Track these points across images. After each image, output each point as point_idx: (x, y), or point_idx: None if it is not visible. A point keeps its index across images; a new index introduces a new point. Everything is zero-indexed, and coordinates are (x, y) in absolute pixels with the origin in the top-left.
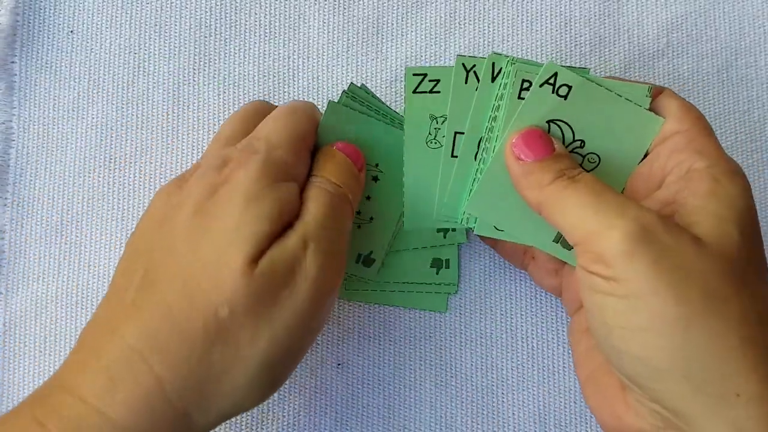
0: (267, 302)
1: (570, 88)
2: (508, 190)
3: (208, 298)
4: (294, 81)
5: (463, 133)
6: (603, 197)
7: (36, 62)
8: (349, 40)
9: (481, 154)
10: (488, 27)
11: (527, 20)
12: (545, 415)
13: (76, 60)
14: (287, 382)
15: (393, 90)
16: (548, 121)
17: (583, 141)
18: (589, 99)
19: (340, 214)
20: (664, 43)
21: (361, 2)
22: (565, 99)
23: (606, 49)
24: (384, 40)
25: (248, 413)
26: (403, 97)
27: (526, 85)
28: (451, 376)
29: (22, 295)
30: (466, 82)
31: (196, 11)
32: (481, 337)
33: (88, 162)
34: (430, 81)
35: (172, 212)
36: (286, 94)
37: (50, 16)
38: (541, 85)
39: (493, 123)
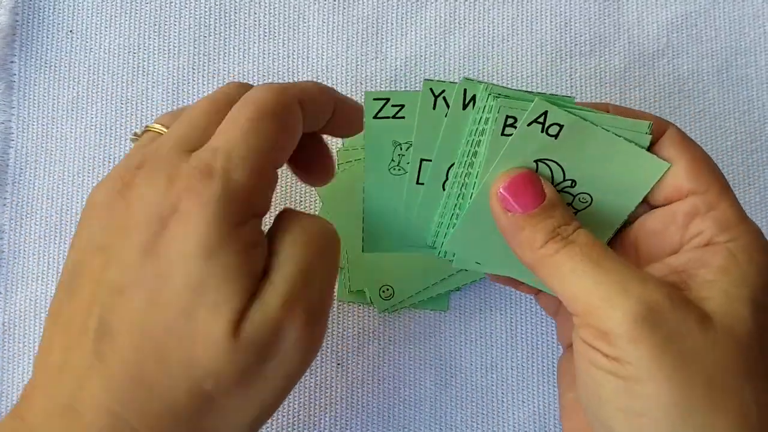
0: (254, 371)
1: (561, 127)
2: (491, 231)
3: (188, 371)
4: (293, 80)
5: (430, 161)
6: (601, 266)
7: (35, 62)
8: (349, 39)
9: (458, 188)
10: (488, 27)
11: (527, 20)
12: (545, 415)
13: (76, 60)
14: None
15: (392, 90)
16: (536, 161)
17: (574, 180)
18: (582, 138)
19: (329, 254)
20: (664, 43)
21: (361, 2)
22: (556, 138)
23: (606, 49)
24: (384, 40)
25: None
26: None
27: (510, 121)
28: (452, 376)
29: (21, 295)
30: (434, 108)
31: (196, 11)
32: (481, 337)
33: (88, 162)
34: (393, 106)
35: (115, 237)
36: None
37: (49, 16)
38: (529, 124)
39: (473, 158)
